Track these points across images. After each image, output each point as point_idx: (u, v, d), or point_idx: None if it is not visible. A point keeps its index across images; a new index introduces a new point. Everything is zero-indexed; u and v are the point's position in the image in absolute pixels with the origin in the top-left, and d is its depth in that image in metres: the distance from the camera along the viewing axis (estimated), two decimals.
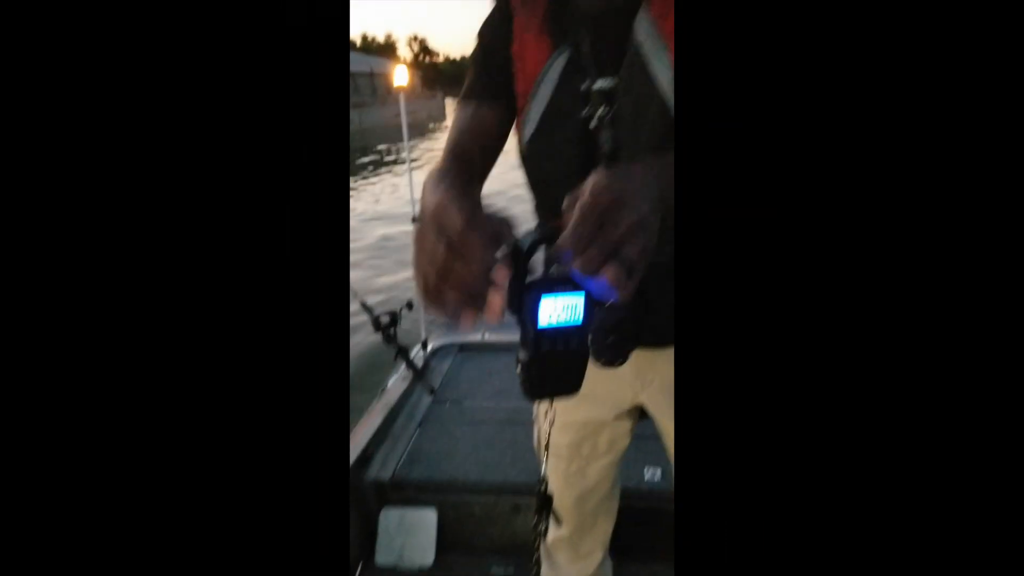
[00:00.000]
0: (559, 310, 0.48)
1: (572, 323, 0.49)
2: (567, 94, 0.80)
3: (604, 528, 1.13)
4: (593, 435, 1.01)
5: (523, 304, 0.48)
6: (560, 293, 0.48)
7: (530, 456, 1.69)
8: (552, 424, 0.97)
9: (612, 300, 0.48)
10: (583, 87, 0.79)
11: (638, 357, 0.84)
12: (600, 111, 0.79)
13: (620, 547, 1.16)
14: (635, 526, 1.19)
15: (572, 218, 0.48)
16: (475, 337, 2.51)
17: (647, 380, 0.95)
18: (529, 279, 0.49)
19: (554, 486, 1.06)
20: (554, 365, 0.51)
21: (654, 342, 0.88)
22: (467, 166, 0.78)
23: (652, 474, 1.51)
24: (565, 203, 0.50)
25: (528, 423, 1.86)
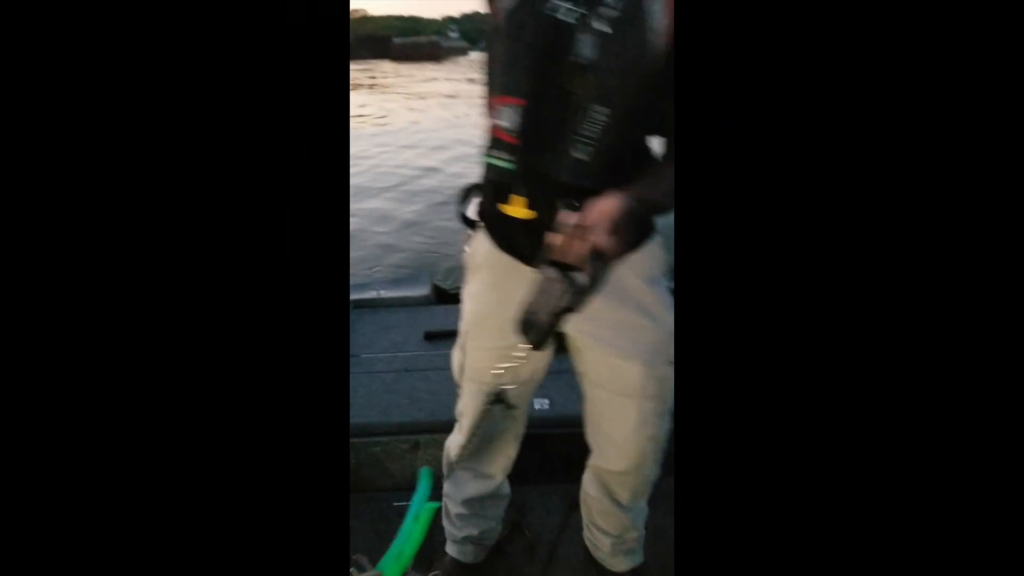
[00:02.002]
0: None
1: None
2: None
3: (508, 453, 1.20)
4: (516, 362, 1.02)
5: None
6: None
7: (427, 399, 1.78)
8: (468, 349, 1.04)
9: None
10: None
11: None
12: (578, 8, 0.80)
13: (513, 471, 1.28)
14: (527, 452, 1.31)
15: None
16: (369, 294, 2.53)
17: None
18: None
19: (467, 410, 1.12)
20: None
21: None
22: None
23: (541, 404, 1.65)
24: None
25: (423, 370, 1.95)
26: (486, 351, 1.05)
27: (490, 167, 0.85)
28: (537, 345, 0.82)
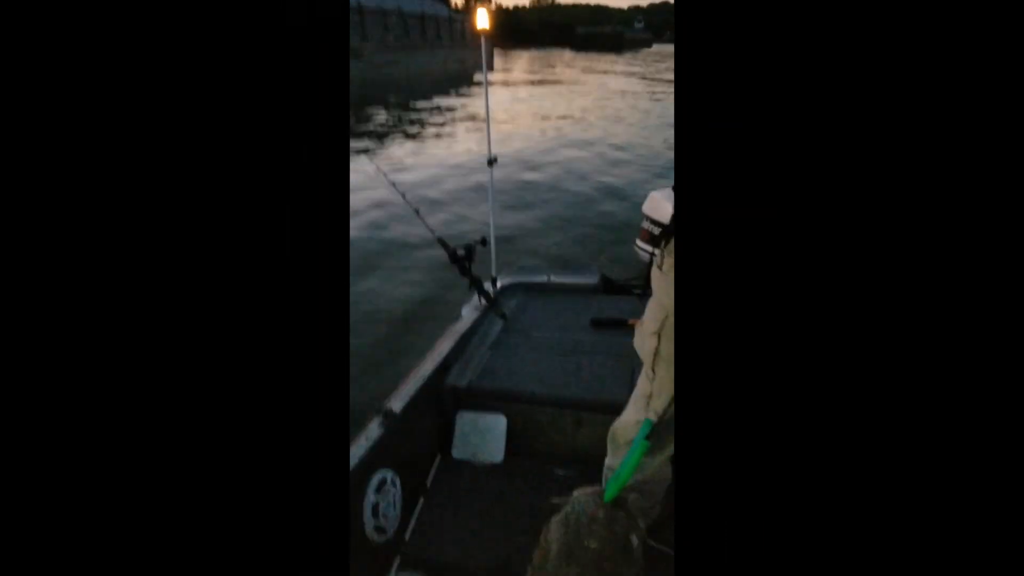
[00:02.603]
0: None
1: None
2: None
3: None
4: None
5: None
6: None
7: (591, 380, 1.88)
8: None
9: None
10: None
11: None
12: None
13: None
14: None
15: None
16: (541, 278, 2.68)
17: None
18: None
19: (662, 391, 1.16)
20: None
21: None
22: None
23: None
24: None
25: (589, 354, 2.04)
26: (668, 338, 1.12)
27: None
28: None
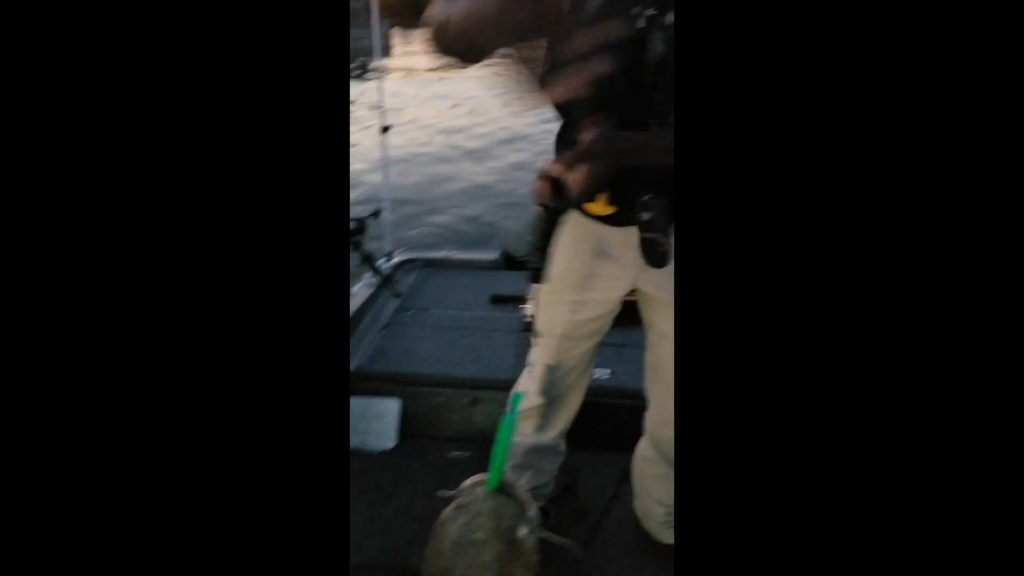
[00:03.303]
0: None
1: None
2: None
3: (572, 405, 1.24)
4: (592, 317, 1.10)
5: None
6: None
7: (489, 358, 1.82)
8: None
9: None
10: None
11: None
12: (648, 10, 0.79)
13: (570, 436, 1.30)
14: (584, 419, 1.32)
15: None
16: (439, 254, 2.58)
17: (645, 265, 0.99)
18: None
19: (540, 359, 1.17)
20: None
21: (648, 225, 0.94)
22: None
23: (601, 374, 1.66)
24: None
25: (488, 331, 1.98)
26: (559, 304, 1.10)
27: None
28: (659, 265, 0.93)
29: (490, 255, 2.61)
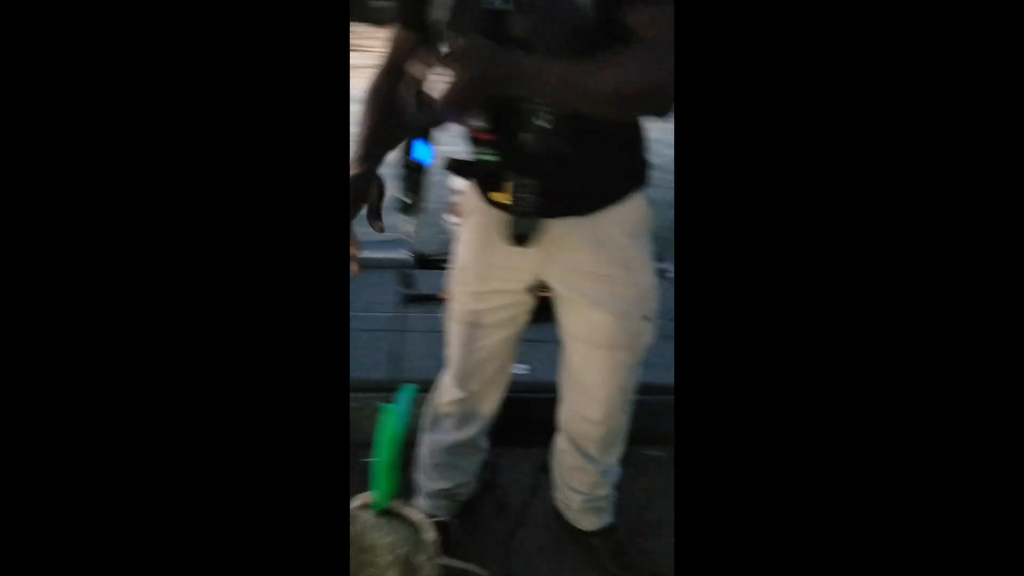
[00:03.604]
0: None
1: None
2: None
3: (492, 399, 1.23)
4: (499, 307, 1.09)
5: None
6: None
7: (403, 360, 1.79)
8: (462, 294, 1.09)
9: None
10: None
11: (545, 234, 0.96)
12: None
13: (490, 431, 1.30)
14: (504, 414, 1.33)
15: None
16: None
17: (552, 255, 1.01)
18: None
19: (456, 352, 1.17)
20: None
21: (560, 213, 0.96)
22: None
23: (520, 369, 1.67)
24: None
25: (401, 331, 1.95)
26: (466, 294, 1.11)
27: (478, 163, 0.90)
28: (521, 242, 0.96)
29: (402, 254, 2.57)
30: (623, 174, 1.01)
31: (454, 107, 0.69)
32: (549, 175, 0.91)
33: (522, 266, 1.05)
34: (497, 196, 0.96)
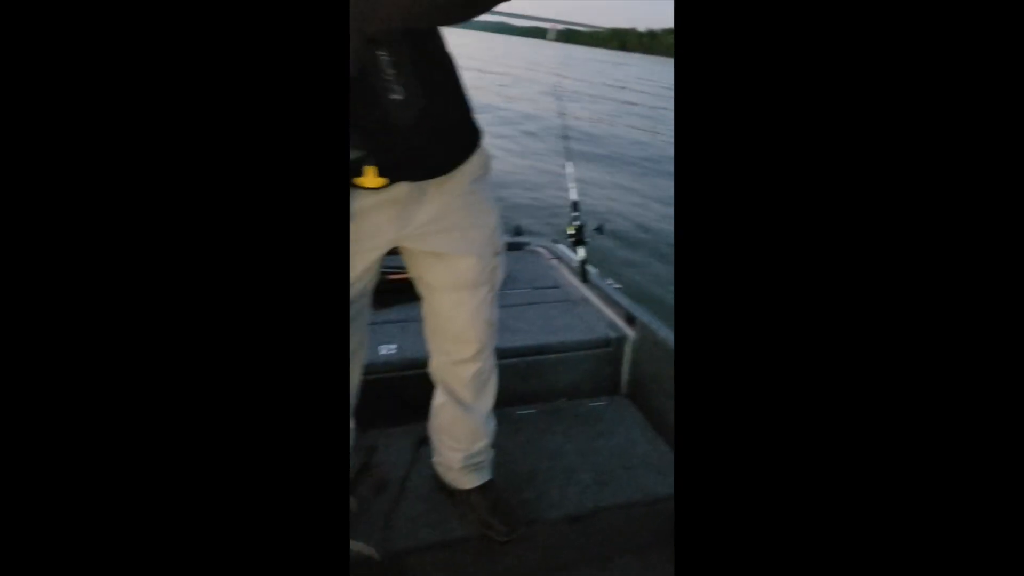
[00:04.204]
0: None
1: None
2: None
3: (355, 377, 1.20)
4: (358, 282, 1.06)
5: None
6: None
7: None
8: None
9: None
10: None
11: (401, 195, 0.97)
12: None
13: (361, 417, 1.32)
14: (373, 397, 1.34)
15: None
16: None
17: (409, 219, 1.02)
18: None
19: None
20: None
21: (423, 176, 0.98)
22: None
23: (388, 349, 1.69)
24: None
25: None
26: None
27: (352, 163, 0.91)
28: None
29: None
30: (471, 127, 1.07)
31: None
32: (411, 144, 0.94)
33: (374, 232, 1.04)
34: (365, 182, 0.94)
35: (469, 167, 1.05)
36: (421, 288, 1.19)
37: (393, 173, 0.94)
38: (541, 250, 2.57)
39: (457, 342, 1.21)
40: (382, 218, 1.01)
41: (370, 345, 1.54)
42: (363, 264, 1.07)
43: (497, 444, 1.40)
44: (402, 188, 0.98)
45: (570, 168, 2.49)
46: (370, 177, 0.94)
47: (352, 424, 1.33)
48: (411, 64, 0.90)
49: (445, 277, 1.14)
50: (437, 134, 0.97)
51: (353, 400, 1.27)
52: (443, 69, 0.99)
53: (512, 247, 2.51)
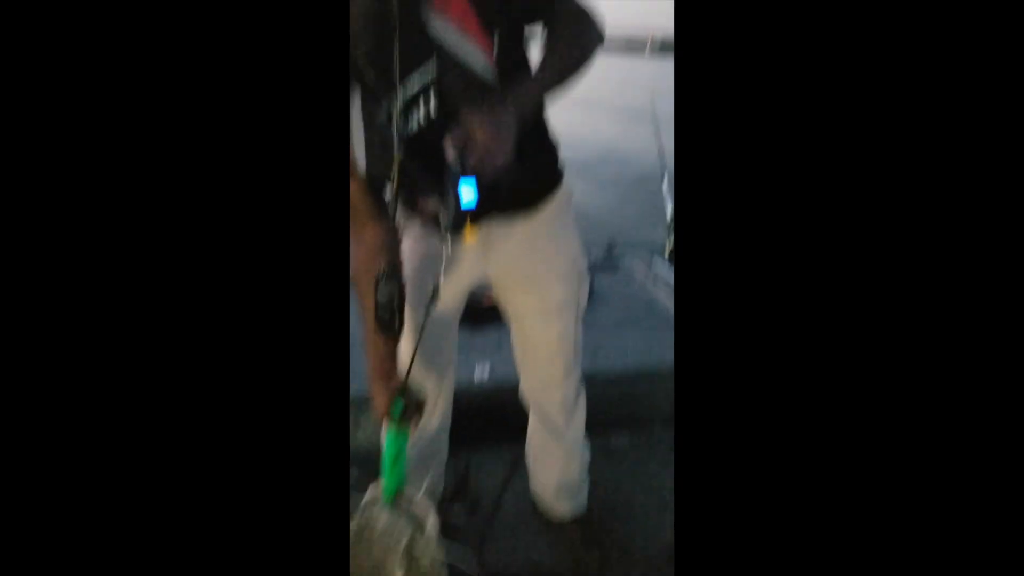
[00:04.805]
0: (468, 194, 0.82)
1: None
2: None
3: (445, 398, 1.25)
4: (448, 308, 1.14)
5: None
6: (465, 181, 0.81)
7: (363, 371, 1.78)
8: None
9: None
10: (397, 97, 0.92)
11: (489, 231, 1.05)
12: (422, 108, 0.94)
13: (455, 435, 1.32)
14: (468, 417, 1.34)
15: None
16: None
17: (497, 251, 1.09)
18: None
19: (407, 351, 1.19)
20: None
21: (509, 210, 1.05)
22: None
23: (482, 371, 1.69)
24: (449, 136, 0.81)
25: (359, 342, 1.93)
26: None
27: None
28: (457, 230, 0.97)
29: None
30: (555, 165, 1.13)
31: (498, 159, 0.83)
32: (502, 185, 0.96)
33: (468, 267, 1.11)
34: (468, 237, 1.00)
35: (553, 201, 1.11)
36: (509, 313, 1.21)
37: (485, 207, 0.96)
38: (637, 267, 2.51)
39: (545, 364, 1.23)
40: (472, 253, 1.08)
41: (465, 365, 1.55)
42: (451, 293, 1.12)
43: (592, 472, 1.37)
44: (491, 224, 1.04)
45: (666, 183, 2.43)
46: (469, 234, 0.98)
47: (446, 442, 1.34)
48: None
49: (531, 303, 1.17)
50: (525, 174, 0.99)
51: (446, 420, 1.29)
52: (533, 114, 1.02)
53: (606, 266, 2.46)
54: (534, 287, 1.15)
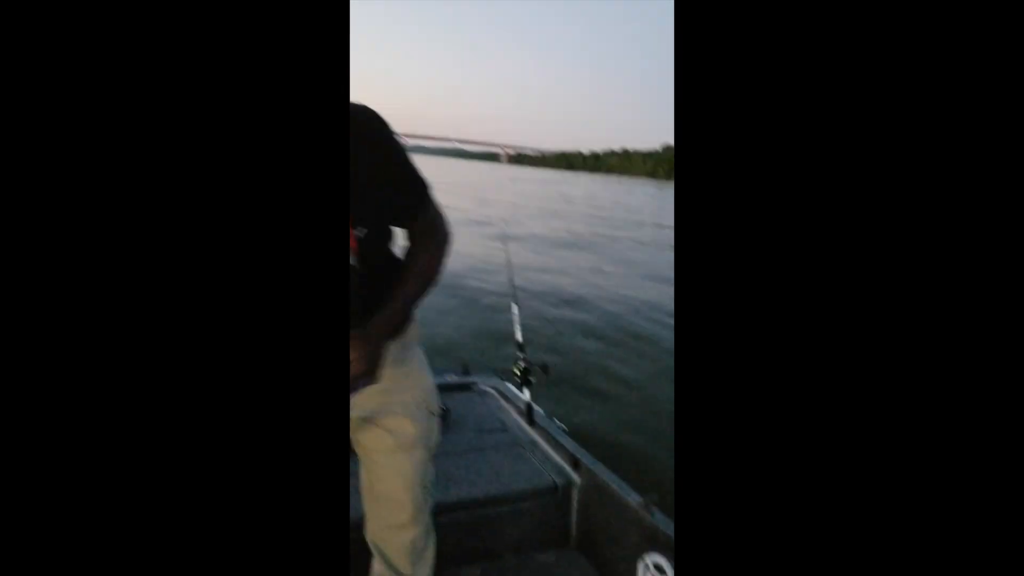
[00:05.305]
0: None
1: None
2: None
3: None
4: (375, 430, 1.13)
5: None
6: None
7: None
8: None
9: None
10: None
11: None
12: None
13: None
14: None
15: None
16: None
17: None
18: None
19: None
20: None
21: None
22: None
23: None
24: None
25: None
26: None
27: None
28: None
29: None
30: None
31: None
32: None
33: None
34: None
35: (404, 336, 1.10)
36: (357, 450, 1.18)
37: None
38: (489, 390, 2.56)
39: (392, 505, 1.18)
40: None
41: None
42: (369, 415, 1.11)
43: None
44: None
45: (515, 310, 2.55)
46: None
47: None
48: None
49: (379, 440, 1.14)
50: (367, 303, 1.02)
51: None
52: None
53: (460, 387, 2.49)
54: (380, 423, 1.13)
